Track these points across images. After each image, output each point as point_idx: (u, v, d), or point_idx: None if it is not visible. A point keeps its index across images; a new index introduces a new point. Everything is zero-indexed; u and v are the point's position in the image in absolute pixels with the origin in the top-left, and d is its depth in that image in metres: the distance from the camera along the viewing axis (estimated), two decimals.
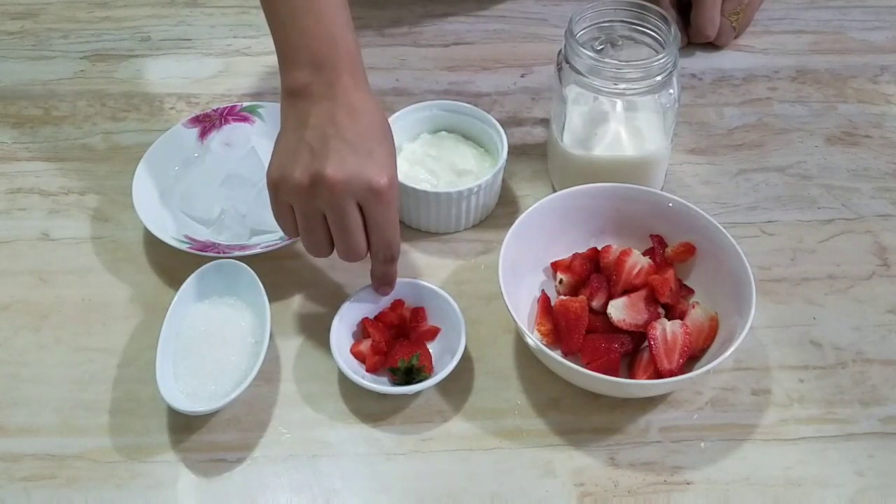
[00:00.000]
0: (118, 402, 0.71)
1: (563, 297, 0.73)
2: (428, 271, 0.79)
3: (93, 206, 0.85)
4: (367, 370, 0.71)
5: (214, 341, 0.71)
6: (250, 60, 0.99)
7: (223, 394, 0.68)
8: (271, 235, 0.79)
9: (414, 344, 0.72)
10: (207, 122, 0.86)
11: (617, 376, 0.69)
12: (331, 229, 0.68)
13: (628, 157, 0.81)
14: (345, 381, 0.70)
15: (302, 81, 0.69)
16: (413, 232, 0.82)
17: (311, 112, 0.68)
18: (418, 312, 0.73)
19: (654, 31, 0.77)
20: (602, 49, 0.78)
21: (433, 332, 0.73)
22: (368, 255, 0.70)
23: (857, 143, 0.91)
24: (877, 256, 0.81)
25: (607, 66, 0.75)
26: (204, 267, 0.73)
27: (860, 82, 0.97)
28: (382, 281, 0.73)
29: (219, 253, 0.76)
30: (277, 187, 0.68)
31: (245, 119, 0.87)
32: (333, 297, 0.75)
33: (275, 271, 0.77)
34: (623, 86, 0.76)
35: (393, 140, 0.70)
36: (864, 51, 1.01)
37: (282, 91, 0.70)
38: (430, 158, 0.82)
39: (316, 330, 0.74)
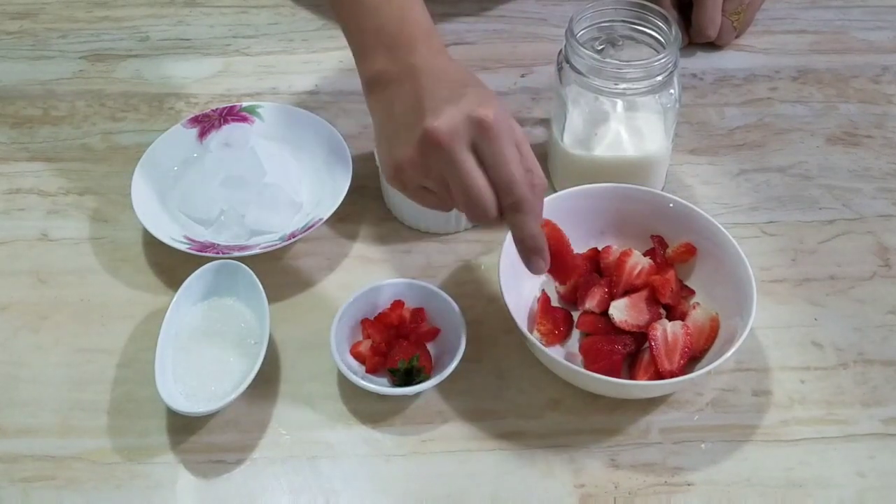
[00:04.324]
0: (117, 403, 0.71)
1: (558, 287, 0.75)
2: (428, 271, 0.79)
3: (92, 207, 0.84)
4: (367, 371, 0.71)
5: (214, 342, 0.71)
6: (250, 60, 0.99)
7: (222, 394, 0.67)
8: (271, 235, 0.79)
9: (414, 345, 0.72)
10: (207, 122, 0.86)
11: (619, 377, 0.69)
12: (453, 192, 0.61)
13: (629, 157, 0.80)
14: (344, 382, 0.70)
15: (378, 67, 0.65)
16: (413, 232, 0.82)
17: (395, 98, 0.64)
18: (418, 313, 0.73)
19: (655, 31, 0.77)
20: (602, 49, 0.78)
21: (433, 333, 0.73)
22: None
23: (858, 143, 0.91)
24: (878, 257, 0.81)
25: (608, 66, 0.74)
26: (203, 267, 0.73)
27: (861, 82, 0.97)
28: (523, 245, 0.62)
29: (218, 253, 0.75)
30: (398, 177, 0.63)
31: (245, 119, 0.87)
32: (333, 297, 0.75)
33: (275, 271, 0.77)
34: (624, 86, 0.75)
35: (488, 88, 0.64)
36: (866, 51, 1.00)
37: (363, 86, 0.67)
38: None
39: (316, 330, 0.74)
